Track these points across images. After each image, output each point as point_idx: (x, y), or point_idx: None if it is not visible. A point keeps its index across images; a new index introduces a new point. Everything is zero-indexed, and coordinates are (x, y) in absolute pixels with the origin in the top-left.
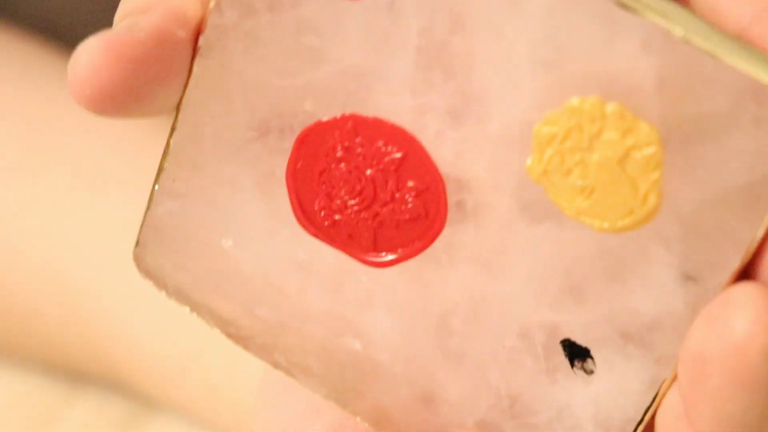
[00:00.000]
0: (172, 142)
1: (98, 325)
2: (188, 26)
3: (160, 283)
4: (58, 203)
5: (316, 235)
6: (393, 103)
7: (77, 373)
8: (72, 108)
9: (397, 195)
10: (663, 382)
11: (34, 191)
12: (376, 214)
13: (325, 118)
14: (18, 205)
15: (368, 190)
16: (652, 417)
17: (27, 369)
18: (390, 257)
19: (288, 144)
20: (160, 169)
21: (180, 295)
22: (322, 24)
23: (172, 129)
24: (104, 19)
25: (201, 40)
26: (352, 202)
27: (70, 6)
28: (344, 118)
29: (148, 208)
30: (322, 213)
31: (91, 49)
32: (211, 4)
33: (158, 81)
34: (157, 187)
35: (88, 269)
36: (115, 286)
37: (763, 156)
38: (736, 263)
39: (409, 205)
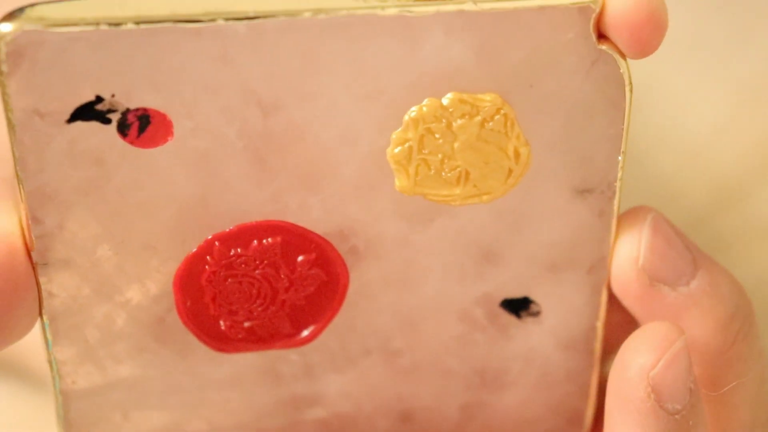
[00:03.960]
0: (54, 353)
1: None
2: (18, 248)
3: None
4: None
5: (235, 351)
6: (246, 206)
7: None
8: None
9: (293, 275)
10: (603, 283)
11: None
12: (283, 302)
13: (192, 250)
14: None
15: (265, 288)
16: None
17: (27, 371)
18: (312, 330)
19: (167, 293)
20: (54, 375)
21: None
22: (141, 180)
23: (46, 341)
24: None
25: (34, 256)
26: (256, 305)
27: None
28: (208, 242)
29: (59, 414)
30: (232, 330)
31: None
32: (25, 221)
33: (11, 310)
34: (60, 394)
35: None
36: None
37: (592, 62)
38: (616, 158)
39: (310, 280)
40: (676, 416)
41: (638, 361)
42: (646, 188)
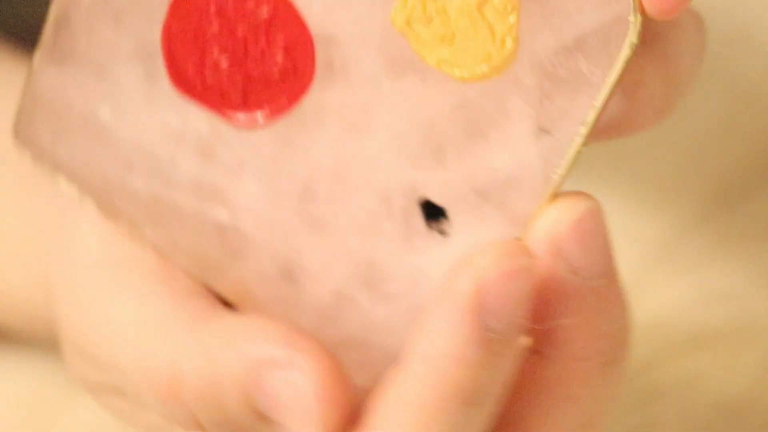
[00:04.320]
0: (53, 9)
1: None
2: None
3: (38, 154)
4: None
5: (188, 95)
6: None
7: None
8: None
9: (267, 52)
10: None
11: None
12: (247, 73)
13: None
14: None
15: (239, 48)
16: None
17: (29, 368)
18: (258, 114)
19: (163, 9)
20: (41, 38)
21: (57, 167)
22: None
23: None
24: None
25: None
26: (224, 60)
27: None
28: None
29: (29, 77)
30: (194, 76)
31: None
32: None
33: None
34: (38, 54)
35: None
36: None
37: None
38: (588, 112)
39: (278, 62)
40: (490, 334)
41: (477, 260)
42: (645, 187)
